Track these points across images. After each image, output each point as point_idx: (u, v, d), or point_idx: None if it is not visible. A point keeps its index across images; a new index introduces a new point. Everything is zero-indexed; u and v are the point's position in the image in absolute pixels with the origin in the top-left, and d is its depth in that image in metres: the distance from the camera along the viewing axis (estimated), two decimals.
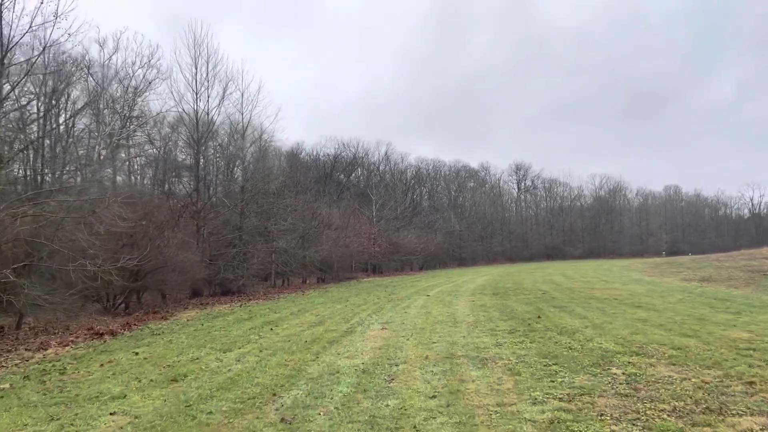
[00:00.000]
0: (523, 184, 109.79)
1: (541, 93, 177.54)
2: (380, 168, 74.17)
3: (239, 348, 10.24)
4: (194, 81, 22.93)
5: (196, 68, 23.00)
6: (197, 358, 9.42)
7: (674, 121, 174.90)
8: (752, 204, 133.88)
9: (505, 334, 10.34)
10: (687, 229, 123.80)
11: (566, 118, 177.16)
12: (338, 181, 60.52)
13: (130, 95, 37.40)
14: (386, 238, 44.63)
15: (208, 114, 23.42)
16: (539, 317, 12.46)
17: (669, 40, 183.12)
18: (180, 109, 23.68)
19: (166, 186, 29.30)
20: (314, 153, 65.24)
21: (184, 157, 41.70)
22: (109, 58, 35.02)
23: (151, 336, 12.73)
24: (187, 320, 15.61)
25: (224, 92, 23.43)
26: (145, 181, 41.22)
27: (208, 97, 23.43)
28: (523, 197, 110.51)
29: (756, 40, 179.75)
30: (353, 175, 66.28)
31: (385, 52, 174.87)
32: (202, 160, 24.40)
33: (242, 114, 25.91)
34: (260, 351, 9.78)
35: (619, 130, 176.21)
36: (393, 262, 46.88)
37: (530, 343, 9.22)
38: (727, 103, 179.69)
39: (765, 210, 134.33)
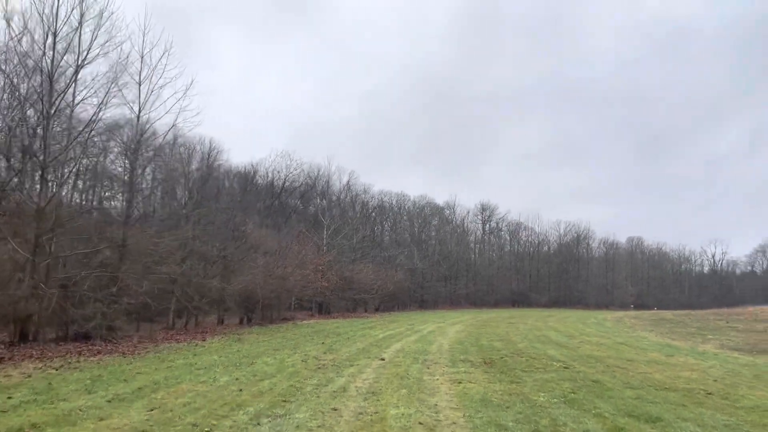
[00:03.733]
0: (488, 225, 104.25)
1: (544, 128, 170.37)
2: (340, 197, 67.09)
3: None
4: (52, 16, 15.20)
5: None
6: None
7: (674, 169, 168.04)
8: (714, 261, 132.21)
9: None
10: (651, 282, 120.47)
11: (562, 158, 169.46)
12: (286, 205, 52.74)
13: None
14: (337, 272, 36.94)
15: (77, 67, 15.67)
16: None
17: (702, 72, 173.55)
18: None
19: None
20: (267, 174, 57.40)
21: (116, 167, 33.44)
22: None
23: None
24: None
25: (93, 35, 15.65)
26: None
27: (78, 42, 15.67)
28: (487, 239, 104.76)
29: None
30: (305, 199, 58.48)
31: (394, 67, 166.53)
32: (48, 128, 16.40)
33: (139, 84, 18.26)
34: None
35: (614, 174, 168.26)
36: (344, 300, 39.13)
37: None
38: (738, 154, 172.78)
39: (727, 267, 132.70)
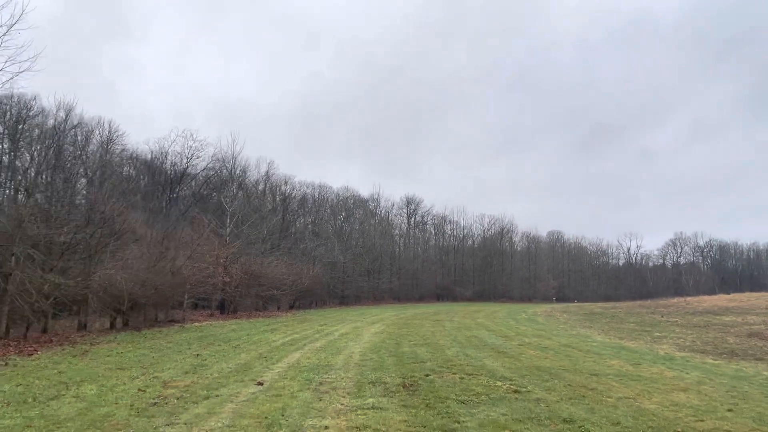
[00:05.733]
0: (413, 219, 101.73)
1: (490, 118, 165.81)
2: (258, 188, 61.81)
3: None
4: None
5: None
6: None
7: (607, 163, 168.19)
8: (629, 254, 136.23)
9: None
10: (571, 275, 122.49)
11: (501, 150, 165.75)
12: (190, 191, 47.06)
13: None
14: (243, 265, 32.32)
15: None
16: None
17: (654, 64, 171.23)
18: None
19: None
20: (164, 156, 50.97)
21: None
22: None
23: None
24: None
25: None
26: None
27: None
28: (412, 232, 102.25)
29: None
30: (209, 185, 52.52)
31: (340, 48, 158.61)
32: None
33: None
34: None
35: (548, 167, 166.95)
36: (251, 298, 34.52)
37: None
38: (668, 150, 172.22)
39: (641, 261, 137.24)
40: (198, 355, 13.71)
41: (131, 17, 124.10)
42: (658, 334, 20.52)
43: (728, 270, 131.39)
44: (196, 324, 24.44)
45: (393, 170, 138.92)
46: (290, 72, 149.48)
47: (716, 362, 12.81)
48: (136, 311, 22.36)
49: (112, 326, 21.45)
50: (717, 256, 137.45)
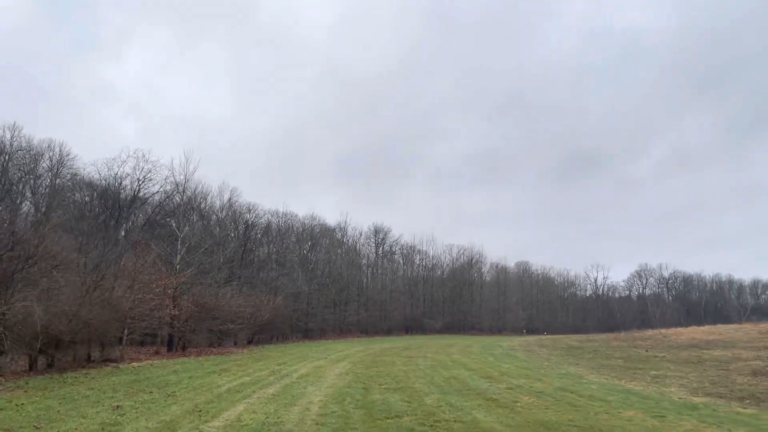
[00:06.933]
0: (381, 248, 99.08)
1: (473, 144, 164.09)
2: (221, 216, 58.58)
3: None
4: None
5: None
6: None
7: (584, 193, 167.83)
8: (596, 285, 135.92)
9: None
10: (540, 306, 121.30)
11: (480, 178, 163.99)
12: (152, 221, 43.58)
13: None
14: (195, 296, 29.27)
15: None
16: None
17: (644, 90, 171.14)
18: None
19: None
20: (131, 184, 47.45)
21: None
22: None
23: None
24: None
25: None
26: None
27: None
28: (380, 262, 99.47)
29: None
30: (163, 210, 49.03)
31: (322, 71, 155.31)
32: None
33: None
34: None
35: (525, 196, 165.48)
36: (203, 332, 31.25)
37: None
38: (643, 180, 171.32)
39: (608, 292, 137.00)
40: (117, 407, 10.94)
41: (104, 34, 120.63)
42: (654, 372, 18.44)
43: (692, 301, 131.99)
44: (135, 364, 21.28)
45: (366, 198, 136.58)
46: (269, 96, 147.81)
47: (750, 412, 10.67)
48: (62, 350, 19.19)
49: (32, 368, 18.24)
50: (681, 288, 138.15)
